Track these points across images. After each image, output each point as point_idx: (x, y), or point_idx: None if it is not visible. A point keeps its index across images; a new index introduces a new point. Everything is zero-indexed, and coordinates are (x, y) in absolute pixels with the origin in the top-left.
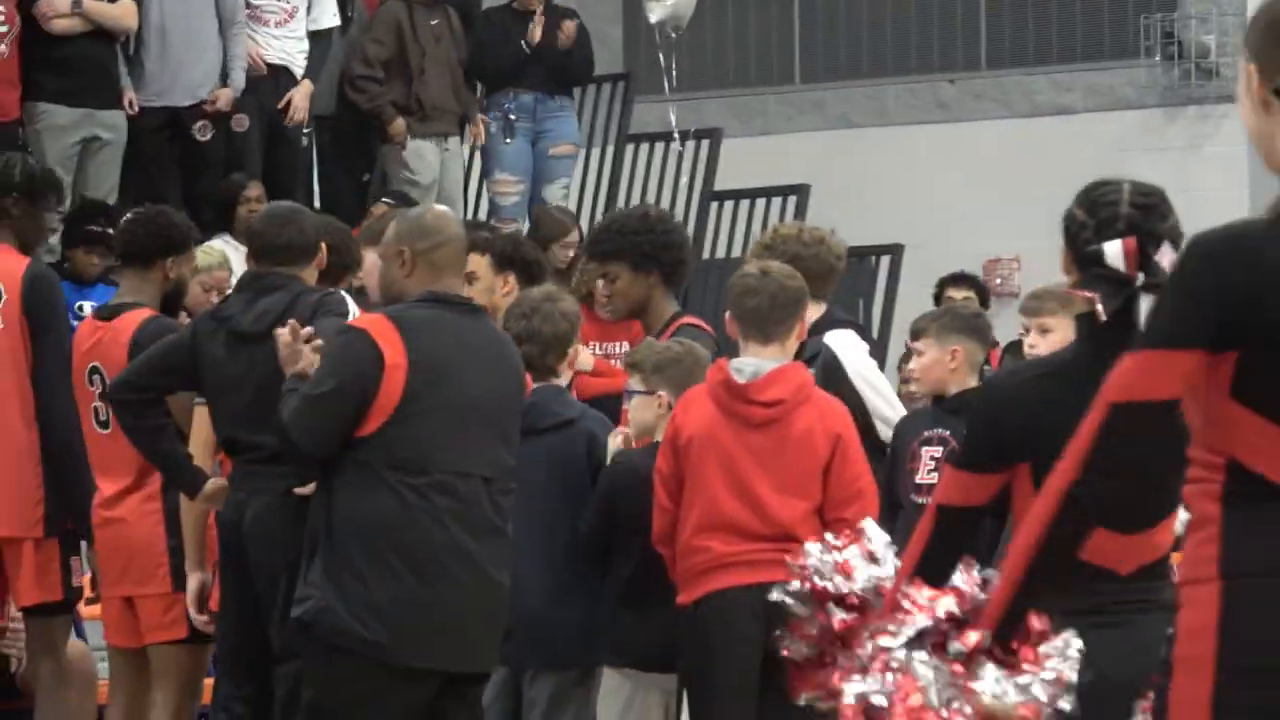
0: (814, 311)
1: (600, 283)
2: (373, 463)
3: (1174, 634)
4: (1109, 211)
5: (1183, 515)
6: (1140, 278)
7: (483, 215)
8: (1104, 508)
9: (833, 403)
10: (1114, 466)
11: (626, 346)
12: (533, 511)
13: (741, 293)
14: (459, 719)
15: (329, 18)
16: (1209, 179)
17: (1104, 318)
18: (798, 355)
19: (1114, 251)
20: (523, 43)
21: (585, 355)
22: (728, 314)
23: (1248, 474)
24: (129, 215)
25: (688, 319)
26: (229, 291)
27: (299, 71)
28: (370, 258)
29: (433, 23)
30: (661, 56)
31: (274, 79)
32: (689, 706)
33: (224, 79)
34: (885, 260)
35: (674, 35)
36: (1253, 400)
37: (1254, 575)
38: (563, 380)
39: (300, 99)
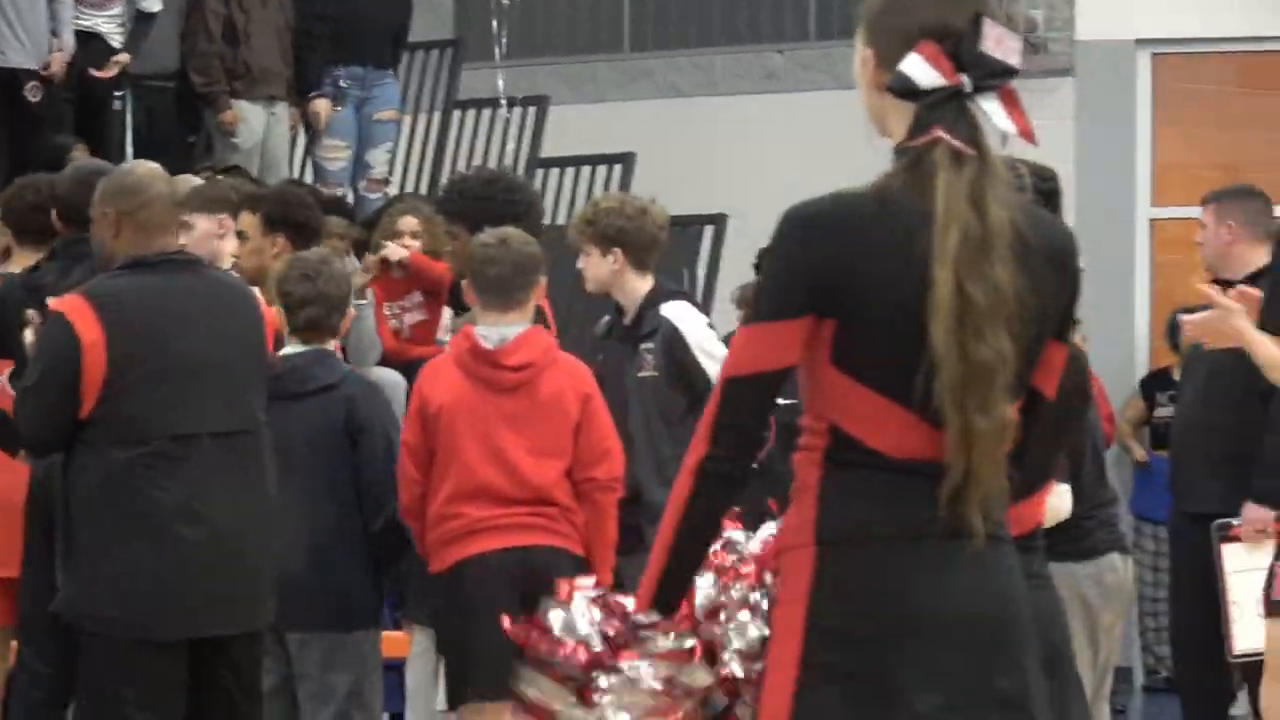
0: (641, 283)
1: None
2: (95, 442)
3: (773, 599)
4: None
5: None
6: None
7: (309, 179)
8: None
9: (577, 364)
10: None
11: (417, 298)
12: (291, 475)
13: (482, 262)
14: (228, 682)
15: (155, 2)
16: (1035, 152)
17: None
18: (634, 327)
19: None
20: None
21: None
22: (464, 283)
23: (846, 439)
24: None
25: None
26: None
27: (114, 41)
28: (203, 225)
29: None
30: (495, 23)
31: (84, 45)
32: (446, 673)
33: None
34: (709, 230)
35: (505, 2)
36: (849, 366)
37: (843, 541)
38: (336, 342)
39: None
